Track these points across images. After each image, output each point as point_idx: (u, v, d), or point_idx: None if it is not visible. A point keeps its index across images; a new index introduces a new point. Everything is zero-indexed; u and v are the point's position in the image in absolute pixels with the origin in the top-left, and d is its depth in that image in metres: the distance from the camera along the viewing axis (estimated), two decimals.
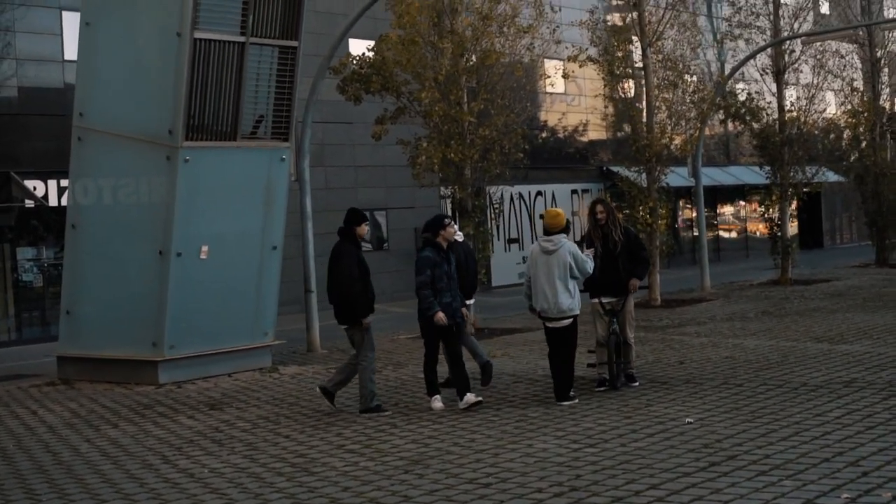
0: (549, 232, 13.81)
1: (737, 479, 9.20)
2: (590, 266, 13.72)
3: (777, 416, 11.85)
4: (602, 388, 14.11)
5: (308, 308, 21.17)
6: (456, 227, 15.68)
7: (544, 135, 40.63)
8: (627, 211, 28.11)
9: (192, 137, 17.23)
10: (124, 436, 13.08)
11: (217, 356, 18.07)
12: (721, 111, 31.13)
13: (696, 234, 45.24)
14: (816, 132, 33.79)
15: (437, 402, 13.57)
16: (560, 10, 25.08)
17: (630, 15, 27.94)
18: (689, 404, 12.83)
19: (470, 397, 13.36)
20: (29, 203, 26.50)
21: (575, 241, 14.49)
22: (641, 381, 14.61)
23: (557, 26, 24.47)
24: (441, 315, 13.33)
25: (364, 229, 13.93)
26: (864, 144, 37.93)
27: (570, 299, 13.55)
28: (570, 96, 41.55)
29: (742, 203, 51.47)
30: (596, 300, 14.39)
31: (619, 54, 27.90)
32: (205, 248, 17.66)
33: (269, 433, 12.68)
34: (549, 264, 13.63)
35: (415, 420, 12.96)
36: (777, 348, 17.43)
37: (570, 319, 13.62)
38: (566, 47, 25.93)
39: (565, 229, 13.90)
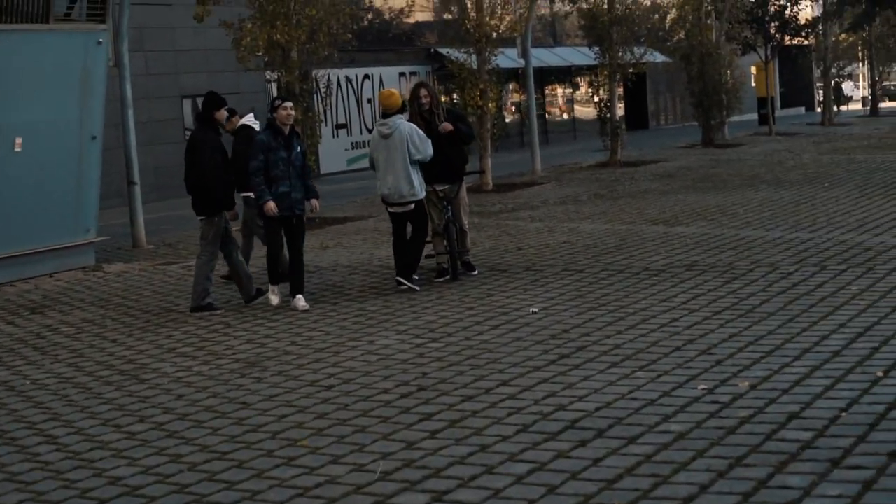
0: (385, 115, 13.33)
1: (589, 372, 8.89)
2: (429, 147, 13.23)
3: (622, 302, 11.62)
4: (442, 279, 13.70)
5: (132, 201, 20.24)
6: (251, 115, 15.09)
7: (370, 16, 39.79)
8: (457, 94, 27.70)
9: None
10: None
11: (36, 255, 17.07)
12: None
13: (524, 116, 45.29)
14: (640, 13, 33.67)
15: (274, 296, 12.87)
16: None
17: None
18: (531, 293, 12.53)
19: (300, 302, 12.58)
20: None
21: None
22: (480, 269, 14.25)
23: None
24: (271, 205, 12.44)
25: (223, 114, 13.22)
26: (689, 25, 38.03)
27: (412, 183, 13.12)
28: None
29: (568, 85, 51.46)
30: (429, 188, 13.81)
31: None
32: (18, 140, 16.57)
33: (94, 338, 11.97)
34: (389, 148, 13.19)
35: (249, 318, 12.41)
36: (613, 232, 17.26)
37: (413, 204, 13.23)
38: None
39: (401, 110, 13.41)
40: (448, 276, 13.66)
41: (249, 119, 15.07)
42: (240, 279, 13.26)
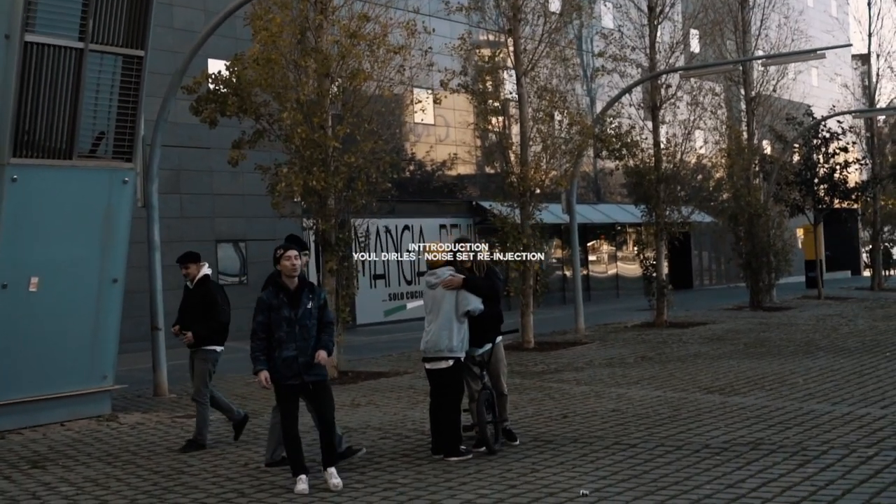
0: (431, 267, 12.45)
1: None
2: (474, 302, 12.19)
3: (683, 487, 10.32)
4: (481, 449, 12.47)
5: (155, 347, 19.22)
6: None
7: (412, 167, 39.18)
8: (499, 249, 26.77)
9: (21, 154, 15.24)
10: None
11: (48, 402, 16.01)
12: (600, 143, 29.95)
13: (567, 273, 44.35)
14: (685, 172, 32.86)
15: (302, 485, 10.79)
16: (434, 31, 23.47)
17: (504, 41, 26.60)
18: (580, 469, 11.26)
19: (332, 479, 10.84)
20: None
21: None
22: (523, 438, 13.02)
23: (430, 48, 22.90)
24: (263, 376, 10.76)
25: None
26: (738, 185, 37.18)
27: (452, 338, 12.06)
28: (440, 127, 40.18)
29: (612, 242, 50.60)
30: None
31: (490, 87, 26.61)
32: (34, 280, 15.63)
33: (94, 501, 10.78)
34: (435, 298, 12.31)
35: (265, 486, 11.18)
36: (666, 400, 16.01)
37: (451, 361, 12.10)
38: (438, 71, 24.40)
39: (450, 261, 12.50)
40: (485, 449, 12.42)
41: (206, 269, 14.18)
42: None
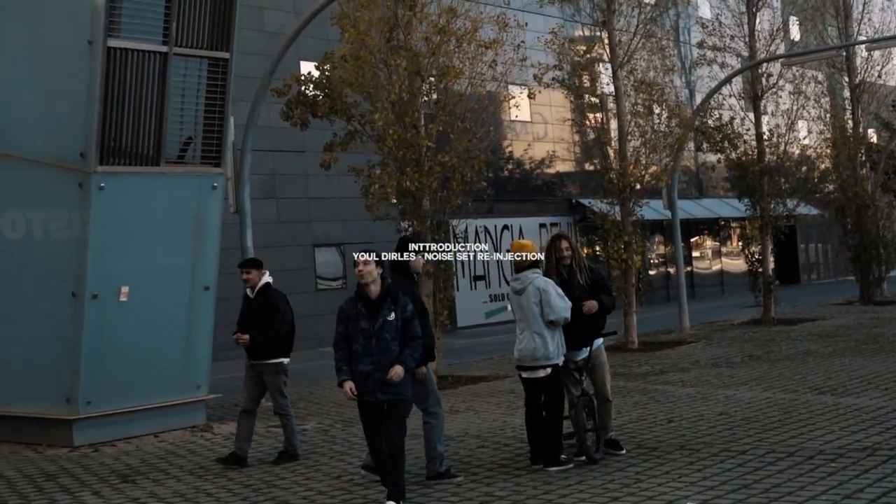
0: (518, 269, 11.82)
1: None
2: (566, 309, 11.57)
3: (796, 497, 9.67)
4: (581, 458, 11.92)
5: None
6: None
7: (510, 166, 38.66)
8: (599, 246, 26.22)
9: (107, 161, 15.01)
10: None
11: (141, 413, 15.79)
12: (700, 136, 29.19)
13: (669, 270, 43.51)
14: (789, 163, 31.90)
15: None
16: (527, 24, 22.92)
17: (598, 34, 25.97)
18: (686, 479, 10.67)
19: None
20: None
21: None
22: (626, 444, 12.42)
23: (522, 41, 22.34)
24: (348, 387, 10.13)
25: (419, 262, 11.81)
26: (845, 175, 36.09)
27: (547, 345, 11.48)
28: (537, 125, 39.58)
29: (715, 237, 49.62)
30: None
31: (587, 82, 26.04)
32: (125, 290, 15.40)
33: None
34: (521, 305, 11.66)
35: (357, 501, 10.77)
36: (776, 402, 15.31)
37: (549, 369, 11.54)
38: (532, 65, 23.85)
39: (535, 263, 11.83)
40: (585, 459, 11.87)
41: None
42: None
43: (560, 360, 11.62)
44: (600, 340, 12.25)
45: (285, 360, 13.35)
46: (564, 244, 12.12)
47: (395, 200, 20.81)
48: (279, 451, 13.45)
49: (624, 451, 12.15)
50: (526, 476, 11.28)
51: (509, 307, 12.13)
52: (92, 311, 15.11)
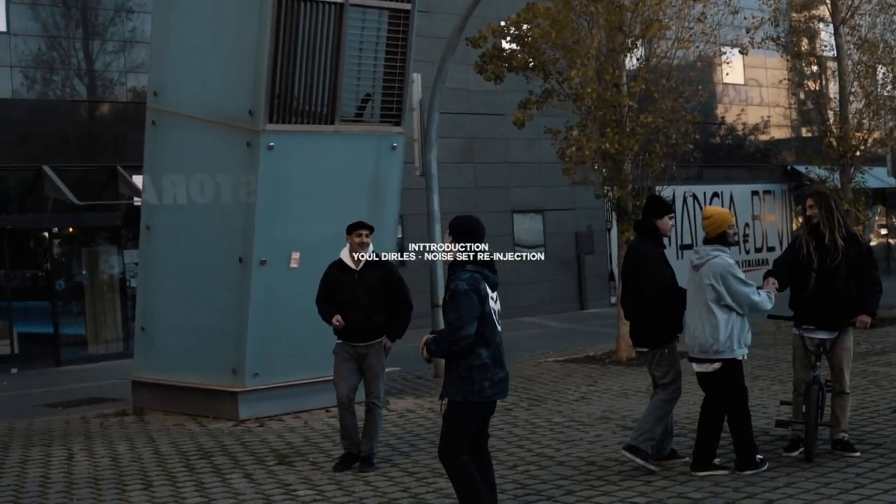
0: (707, 240, 10.21)
1: None
2: (757, 299, 9.87)
3: None
4: (794, 453, 10.38)
5: (435, 325, 17.83)
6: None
7: (721, 131, 36.72)
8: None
9: (277, 119, 13.99)
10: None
11: (312, 386, 14.72)
12: None
13: (890, 241, 40.96)
14: None
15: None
16: None
17: None
18: None
19: None
20: (137, 201, 23.71)
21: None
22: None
23: None
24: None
25: (668, 223, 10.51)
26: None
27: (717, 335, 9.79)
28: (751, 87, 37.45)
29: None
30: (797, 331, 10.48)
31: (805, 44, 24.15)
32: (295, 256, 14.39)
33: None
34: (695, 283, 10.04)
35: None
36: None
37: (717, 364, 9.88)
38: (744, 18, 22.04)
39: (722, 237, 10.10)
40: (801, 451, 10.33)
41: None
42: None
43: (737, 355, 9.88)
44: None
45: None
46: (809, 201, 10.41)
47: (594, 164, 19.38)
48: (363, 455, 11.13)
49: (858, 454, 10.36)
50: (727, 476, 9.80)
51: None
52: (260, 278, 14.18)
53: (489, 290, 8.17)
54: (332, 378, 11.85)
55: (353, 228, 11.34)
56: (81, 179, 23.83)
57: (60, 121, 23.48)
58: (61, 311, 23.89)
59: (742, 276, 9.84)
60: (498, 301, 8.29)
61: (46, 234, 24.16)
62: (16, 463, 12.19)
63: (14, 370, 22.14)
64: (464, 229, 8.21)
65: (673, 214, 10.61)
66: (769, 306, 9.91)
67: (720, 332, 9.77)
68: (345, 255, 11.36)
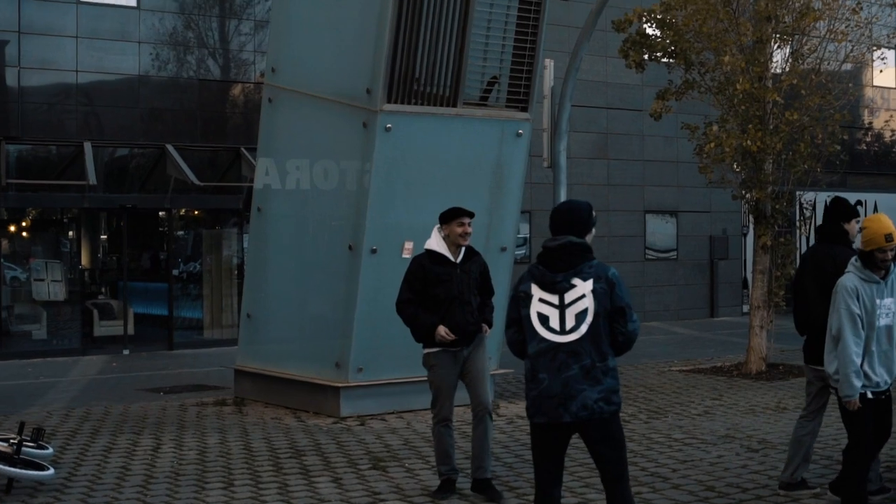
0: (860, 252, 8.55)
1: None
2: (851, 355, 8.14)
3: None
4: None
5: None
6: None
7: (868, 138, 35.07)
8: None
9: (396, 99, 13.18)
10: None
11: (418, 385, 13.73)
12: None
13: None
14: None
15: None
16: None
17: None
18: None
19: None
20: None
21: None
22: None
23: None
24: None
25: (855, 228, 9.32)
26: None
27: (830, 359, 8.31)
28: None
29: None
30: None
31: None
32: (408, 245, 13.51)
33: None
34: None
35: None
36: None
37: (833, 390, 8.45)
38: None
39: (868, 257, 8.30)
40: None
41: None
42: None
43: (845, 389, 8.15)
44: None
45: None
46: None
47: (733, 163, 18.22)
48: (483, 478, 9.62)
49: None
50: None
51: None
52: (370, 268, 13.38)
53: (538, 290, 6.91)
54: None
55: (453, 216, 9.86)
56: (205, 160, 23.39)
57: (187, 100, 23.07)
58: (178, 293, 23.48)
59: (855, 309, 8.19)
60: (574, 302, 6.85)
61: (167, 214, 23.77)
62: (100, 451, 11.58)
63: (126, 351, 21.73)
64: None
65: (860, 218, 9.33)
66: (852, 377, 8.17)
67: (832, 355, 8.33)
68: (438, 245, 9.87)
